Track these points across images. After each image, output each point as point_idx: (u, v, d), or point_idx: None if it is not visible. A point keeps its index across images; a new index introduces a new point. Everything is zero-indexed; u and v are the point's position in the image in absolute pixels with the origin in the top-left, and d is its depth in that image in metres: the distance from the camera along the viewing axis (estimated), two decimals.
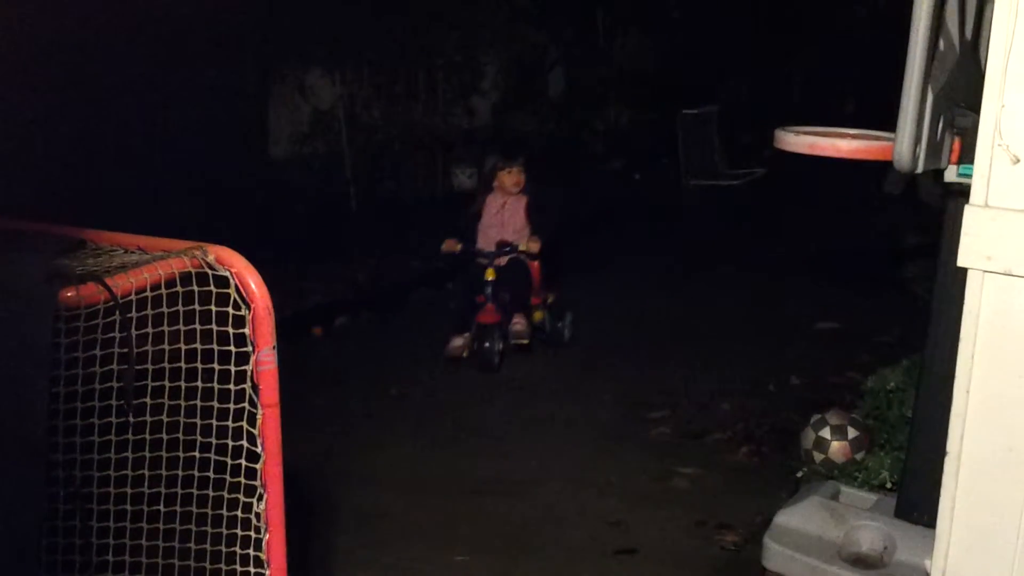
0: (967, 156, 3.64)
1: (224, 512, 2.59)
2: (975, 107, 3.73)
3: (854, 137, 4.04)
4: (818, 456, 4.57)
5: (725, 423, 5.58)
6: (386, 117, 11.18)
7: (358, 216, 10.19)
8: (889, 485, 4.26)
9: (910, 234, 7.90)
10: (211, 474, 2.58)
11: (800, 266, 8.81)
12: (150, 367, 2.46)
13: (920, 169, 3.58)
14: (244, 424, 2.41)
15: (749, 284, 8.41)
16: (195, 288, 2.34)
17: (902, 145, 3.52)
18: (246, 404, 2.38)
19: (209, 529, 2.72)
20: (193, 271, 2.33)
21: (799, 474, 4.58)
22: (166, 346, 2.48)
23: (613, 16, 14.25)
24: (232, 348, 2.37)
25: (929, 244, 7.30)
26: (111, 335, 2.30)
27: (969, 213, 3.28)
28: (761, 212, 11.15)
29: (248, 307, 2.32)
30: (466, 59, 12.29)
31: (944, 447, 3.49)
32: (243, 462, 2.43)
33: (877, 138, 4.08)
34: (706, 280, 8.72)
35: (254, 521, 2.48)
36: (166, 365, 2.49)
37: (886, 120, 3.60)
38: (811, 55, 14.83)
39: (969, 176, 3.57)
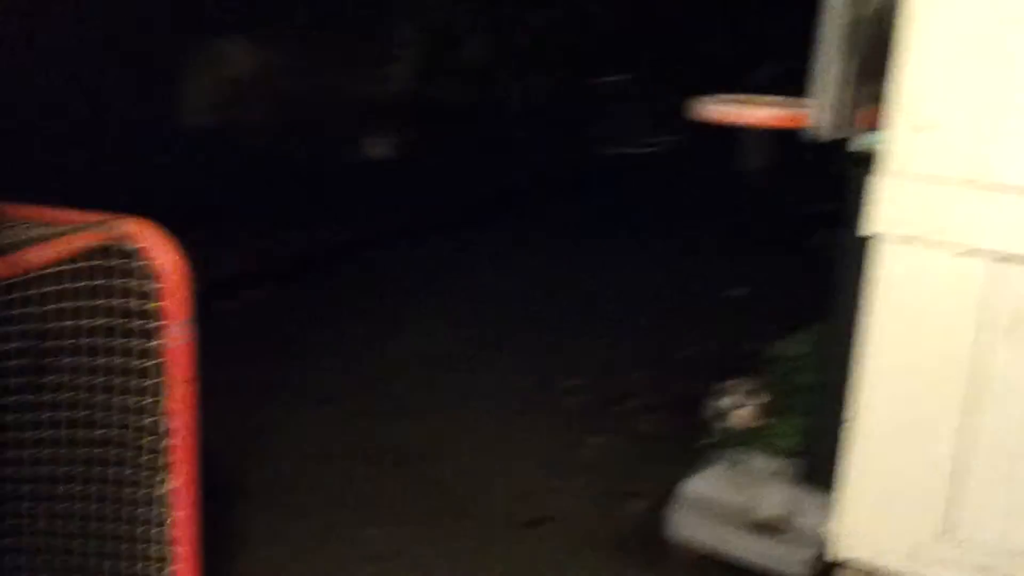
0: (877, 124, 3.67)
1: (138, 490, 2.52)
2: (885, 76, 3.76)
3: (770, 105, 4.05)
4: (723, 423, 4.59)
5: (635, 391, 5.58)
6: (302, 84, 11.00)
7: (273, 186, 10.00)
8: (792, 451, 4.30)
9: (819, 201, 7.96)
10: (127, 451, 2.50)
11: (711, 233, 8.87)
12: (56, 345, 2.38)
13: (835, 136, 3.61)
14: (158, 399, 2.35)
15: (660, 252, 8.44)
16: (106, 262, 2.27)
17: (819, 114, 3.54)
18: (160, 379, 2.31)
19: (122, 507, 2.64)
20: (106, 244, 2.25)
21: (705, 442, 4.59)
22: (74, 322, 2.40)
23: None
24: (146, 323, 2.31)
25: (837, 211, 7.39)
26: (17, 311, 2.22)
27: (878, 180, 3.31)
28: (675, 179, 11.18)
29: (161, 281, 2.24)
30: (383, 25, 12.14)
31: (844, 414, 3.54)
32: (155, 439, 2.37)
33: (792, 106, 4.10)
34: (617, 249, 8.69)
35: (166, 499, 2.42)
36: (74, 342, 2.41)
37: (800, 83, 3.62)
38: (725, 21, 14.83)
39: (878, 143, 3.62)
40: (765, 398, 4.61)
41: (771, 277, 7.48)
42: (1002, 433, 3.13)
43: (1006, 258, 3.10)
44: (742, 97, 4.22)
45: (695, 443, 4.67)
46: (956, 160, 3.18)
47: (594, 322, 6.75)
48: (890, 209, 3.31)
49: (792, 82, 4.26)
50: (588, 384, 5.70)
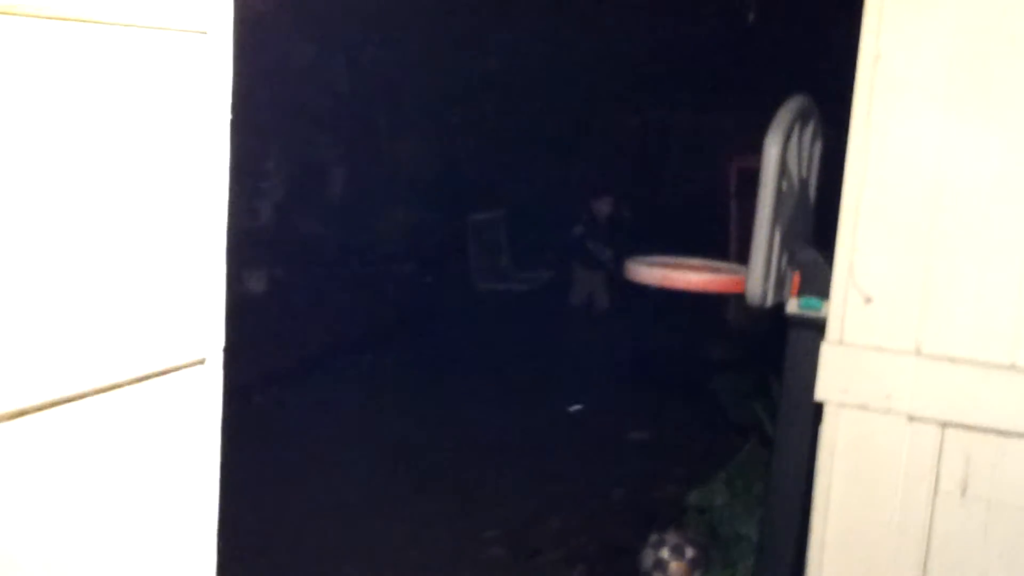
0: (807, 289, 3.86)
1: None
2: (810, 241, 3.97)
3: (701, 269, 4.22)
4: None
5: (556, 541, 5.59)
6: None
7: None
8: None
9: (714, 347, 8.22)
10: None
11: (605, 375, 8.95)
12: None
13: (769, 303, 3.77)
14: None
15: (556, 393, 8.46)
16: None
17: (755, 281, 3.70)
18: None
19: None
20: None
21: None
22: None
23: (394, 119, 14.33)
24: None
25: (734, 359, 7.66)
26: None
27: (826, 349, 3.46)
28: (550, 316, 11.29)
29: None
30: (250, 160, 12.13)
31: (790, 571, 3.65)
32: None
33: (718, 270, 4.29)
34: (512, 391, 8.66)
35: None
36: None
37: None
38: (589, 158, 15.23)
39: (810, 308, 3.81)
40: (697, 549, 4.70)
41: (670, 419, 7.60)
42: None
43: (952, 425, 3.26)
44: (672, 260, 4.38)
45: None
46: (900, 331, 3.35)
47: (500, 467, 6.74)
48: (837, 377, 3.45)
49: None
50: (507, 534, 5.68)
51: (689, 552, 4.68)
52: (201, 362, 1.94)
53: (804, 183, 4.08)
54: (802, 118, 3.89)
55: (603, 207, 11.43)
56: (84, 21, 1.58)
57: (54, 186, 1.60)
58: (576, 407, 7.66)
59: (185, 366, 1.90)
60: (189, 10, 1.76)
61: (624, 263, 4.18)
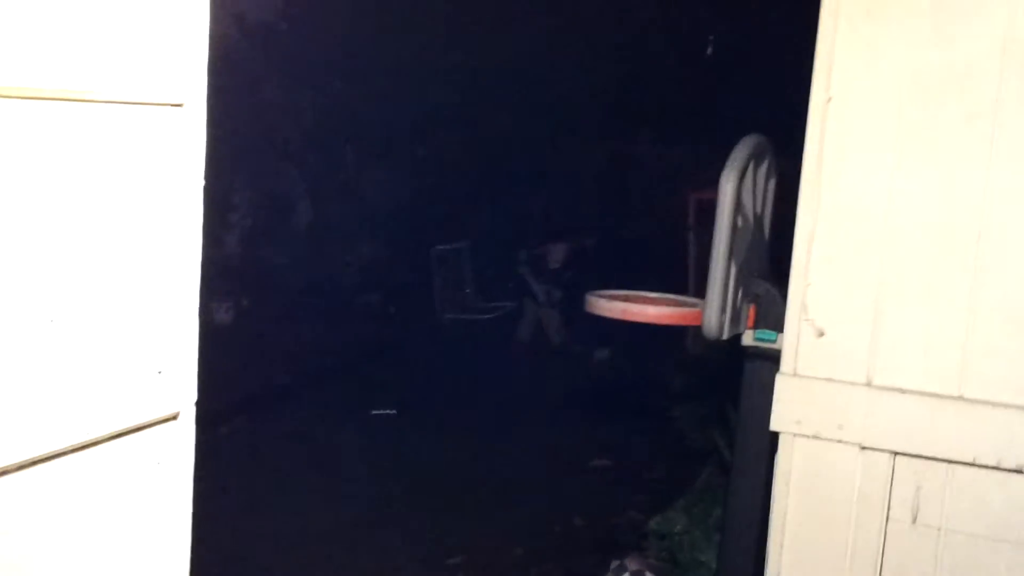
0: (762, 321, 3.97)
1: None
2: (765, 275, 4.09)
3: (659, 303, 4.33)
4: None
5: (520, 568, 5.65)
6: None
7: None
8: None
9: (675, 376, 8.33)
10: None
11: (567, 403, 9.05)
12: None
13: (726, 335, 3.88)
14: None
15: (519, 422, 8.55)
16: None
17: (711, 314, 3.81)
18: None
19: None
20: None
21: None
22: None
23: (359, 152, 14.39)
24: None
25: (693, 388, 7.78)
26: None
27: (780, 381, 3.58)
28: (519, 346, 11.41)
29: None
30: (217, 192, 12.13)
31: None
32: None
33: (677, 303, 4.40)
34: (476, 420, 8.72)
35: None
36: None
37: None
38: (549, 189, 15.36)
39: (765, 340, 3.92)
40: (658, 575, 4.80)
41: (632, 447, 7.69)
42: None
43: (903, 454, 3.38)
44: (631, 293, 4.49)
45: None
46: (852, 364, 3.47)
47: (463, 494, 6.79)
48: (792, 407, 3.56)
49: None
50: (472, 561, 5.73)
51: None
52: (174, 417, 2.02)
53: (759, 219, 4.20)
54: (757, 156, 4.01)
55: (557, 254, 11.66)
56: (77, 100, 1.68)
57: (34, 247, 1.69)
58: (384, 411, 7.74)
59: (158, 422, 1.97)
60: (167, 86, 1.86)
61: (584, 297, 4.28)
